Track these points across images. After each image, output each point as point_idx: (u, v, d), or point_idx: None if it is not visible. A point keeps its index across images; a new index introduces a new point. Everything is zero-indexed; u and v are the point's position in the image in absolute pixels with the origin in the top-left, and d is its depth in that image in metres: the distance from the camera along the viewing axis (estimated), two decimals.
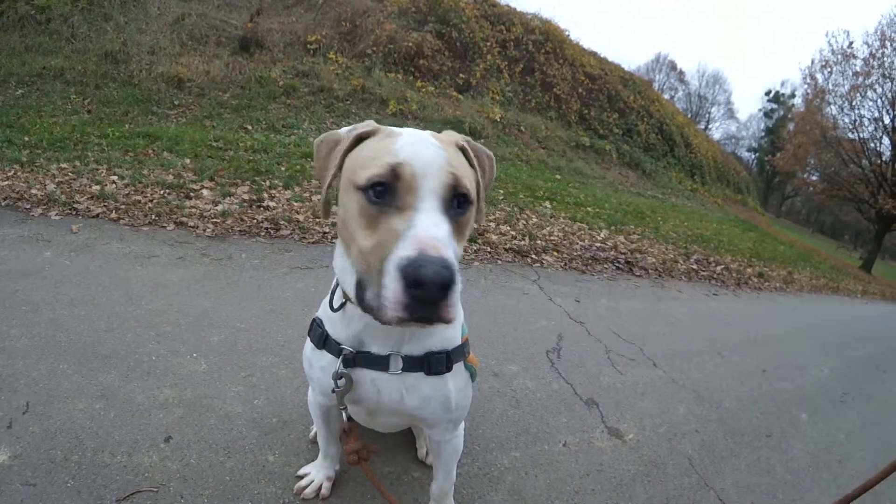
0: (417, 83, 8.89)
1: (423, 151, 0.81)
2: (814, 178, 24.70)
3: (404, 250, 0.69)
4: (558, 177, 9.01)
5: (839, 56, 19.81)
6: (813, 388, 3.76)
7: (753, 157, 35.30)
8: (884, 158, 19.80)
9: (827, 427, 3.08)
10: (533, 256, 4.55)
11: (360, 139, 0.89)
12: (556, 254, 4.64)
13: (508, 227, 5.09)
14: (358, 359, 1.02)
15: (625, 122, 13.51)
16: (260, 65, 7.46)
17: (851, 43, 19.71)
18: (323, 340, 1.05)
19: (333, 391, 1.03)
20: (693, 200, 13.87)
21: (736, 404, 2.87)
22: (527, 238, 4.90)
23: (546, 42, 11.90)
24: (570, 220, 6.15)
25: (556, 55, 12.03)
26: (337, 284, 1.02)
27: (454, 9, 10.11)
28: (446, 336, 1.05)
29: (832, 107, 20.67)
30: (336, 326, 1.04)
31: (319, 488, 1.38)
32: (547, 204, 6.65)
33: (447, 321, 0.71)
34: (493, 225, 5.10)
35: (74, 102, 5.74)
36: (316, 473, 1.40)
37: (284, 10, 8.93)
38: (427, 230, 0.72)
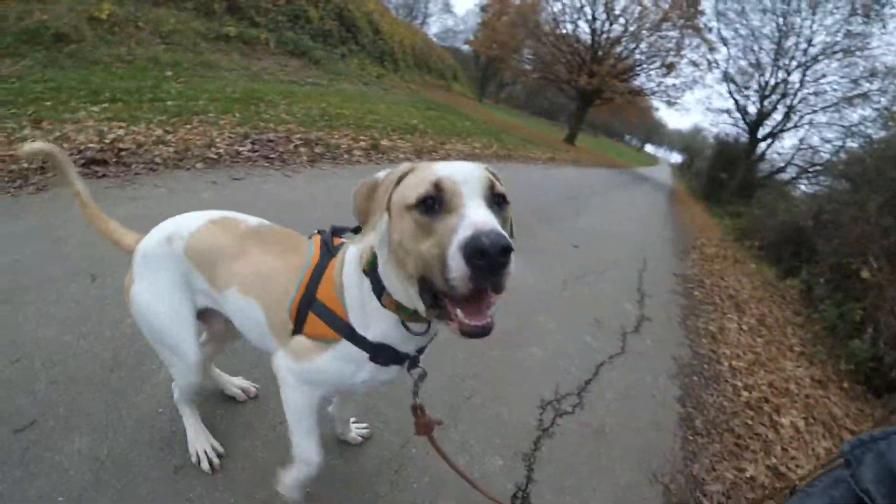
0: None
1: (459, 166, 0.94)
2: (527, 66, 27.52)
3: (463, 233, 0.79)
4: (169, 73, 7.63)
5: None
6: None
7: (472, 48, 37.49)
8: (583, 43, 22.90)
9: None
10: None
11: (400, 179, 0.98)
12: None
13: None
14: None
15: (292, 8, 12.43)
16: None
17: None
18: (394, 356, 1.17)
19: (416, 382, 1.24)
20: (374, 86, 13.55)
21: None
22: None
23: None
24: (109, 119, 5.10)
25: None
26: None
27: None
28: None
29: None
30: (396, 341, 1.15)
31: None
32: (96, 108, 5.43)
33: (504, 289, 0.81)
34: None
35: None
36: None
37: None
38: (478, 216, 0.82)
